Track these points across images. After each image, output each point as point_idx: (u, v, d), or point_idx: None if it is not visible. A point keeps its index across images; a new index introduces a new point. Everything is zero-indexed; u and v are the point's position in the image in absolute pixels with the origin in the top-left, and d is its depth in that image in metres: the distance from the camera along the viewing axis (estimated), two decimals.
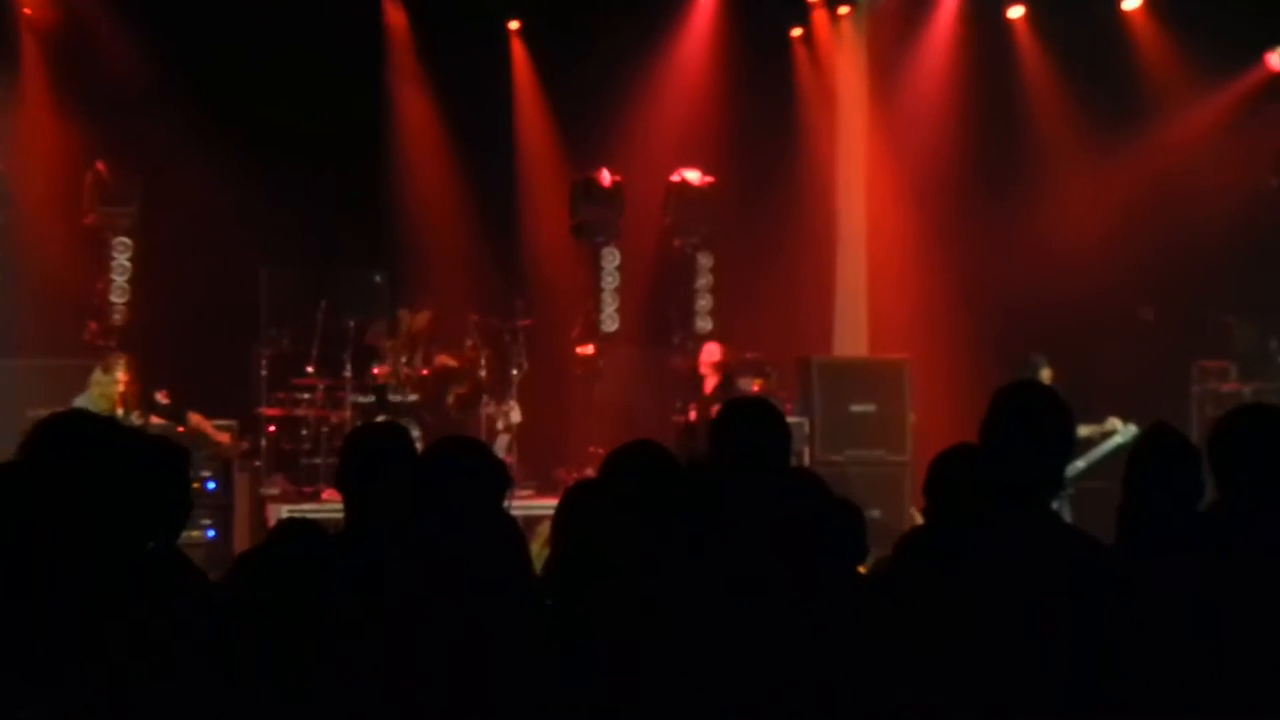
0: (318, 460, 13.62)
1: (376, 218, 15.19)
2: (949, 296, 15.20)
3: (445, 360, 14.03)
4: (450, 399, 13.87)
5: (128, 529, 4.29)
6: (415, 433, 9.12)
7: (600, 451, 12.93)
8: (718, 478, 4.79)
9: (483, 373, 14.07)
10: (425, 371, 14.05)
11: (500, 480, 4.77)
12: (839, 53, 16.17)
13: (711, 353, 13.66)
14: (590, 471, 12.52)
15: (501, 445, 13.86)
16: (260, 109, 14.28)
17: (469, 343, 14.27)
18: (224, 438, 12.97)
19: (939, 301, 15.27)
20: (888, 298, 15.82)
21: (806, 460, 13.34)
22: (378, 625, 4.25)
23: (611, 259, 15.60)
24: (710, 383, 13.49)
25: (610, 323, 15.59)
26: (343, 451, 5.27)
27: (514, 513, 5.30)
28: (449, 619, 4.30)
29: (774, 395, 13.21)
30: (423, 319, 14.27)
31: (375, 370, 13.94)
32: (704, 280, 15.83)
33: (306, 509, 12.50)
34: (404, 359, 13.99)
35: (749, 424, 4.86)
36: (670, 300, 15.95)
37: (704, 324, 15.68)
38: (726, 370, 13.56)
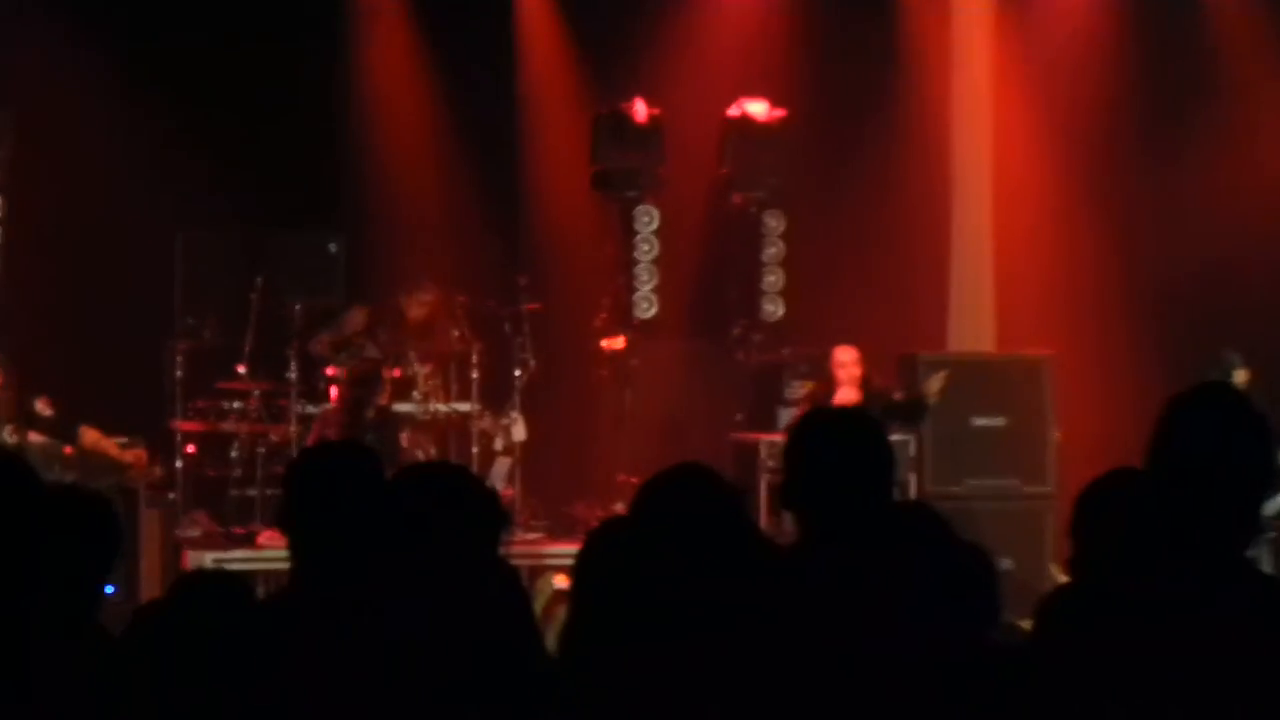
0: (252, 491, 13.65)
1: (331, 167, 15.20)
2: (1103, 274, 15.17)
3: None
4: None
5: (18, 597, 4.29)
6: None
7: (633, 480, 12.94)
8: (795, 516, 4.76)
9: (475, 373, 14.05)
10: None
11: (494, 518, 4.75)
12: None
13: (854, 361, 13.24)
14: (620, 507, 12.52)
15: (500, 472, 13.87)
16: (176, 22, 14.29)
17: (455, 334, 14.25)
18: (133, 457, 12.98)
19: (1089, 281, 15.24)
20: (1020, 275, 15.77)
21: (913, 492, 13.33)
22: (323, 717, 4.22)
23: (648, 221, 15.59)
24: (847, 400, 13.18)
25: (646, 307, 15.57)
26: (286, 480, 5.28)
27: (515, 562, 5.28)
28: (424, 707, 4.27)
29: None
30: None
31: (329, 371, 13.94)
32: (773, 249, 15.81)
33: (236, 556, 12.53)
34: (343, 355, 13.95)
35: (837, 445, 4.83)
36: (728, 276, 15.93)
37: (773, 308, 15.67)
38: (869, 384, 13.21)
